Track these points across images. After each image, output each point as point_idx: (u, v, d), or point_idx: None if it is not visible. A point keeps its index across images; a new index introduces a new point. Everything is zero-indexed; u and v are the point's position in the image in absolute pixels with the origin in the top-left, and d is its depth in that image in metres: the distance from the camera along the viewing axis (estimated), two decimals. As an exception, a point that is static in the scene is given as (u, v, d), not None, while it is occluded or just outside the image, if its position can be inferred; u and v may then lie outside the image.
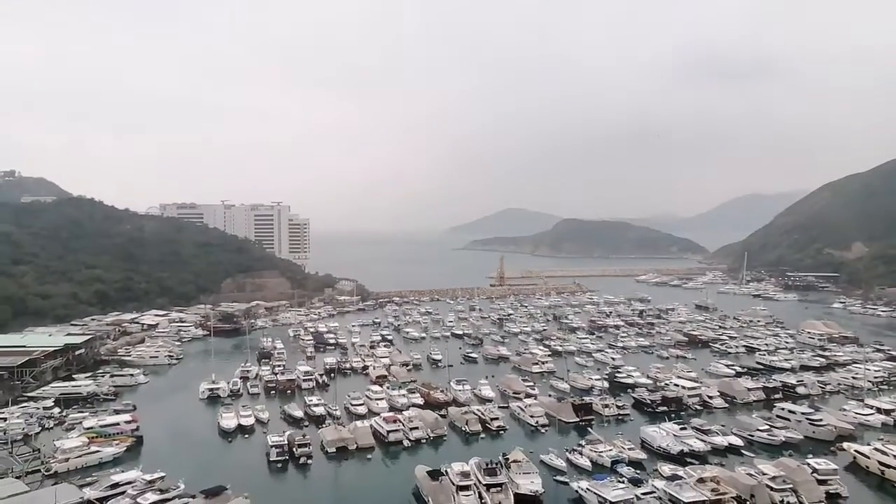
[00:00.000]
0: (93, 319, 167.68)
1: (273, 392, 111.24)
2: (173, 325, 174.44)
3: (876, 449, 73.07)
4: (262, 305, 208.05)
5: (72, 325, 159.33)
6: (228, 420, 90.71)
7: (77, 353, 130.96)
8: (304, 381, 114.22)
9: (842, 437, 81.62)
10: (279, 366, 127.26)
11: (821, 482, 65.21)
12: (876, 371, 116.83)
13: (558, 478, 69.71)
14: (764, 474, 65.70)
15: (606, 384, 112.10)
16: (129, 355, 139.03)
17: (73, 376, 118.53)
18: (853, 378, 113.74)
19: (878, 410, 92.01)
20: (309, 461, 75.80)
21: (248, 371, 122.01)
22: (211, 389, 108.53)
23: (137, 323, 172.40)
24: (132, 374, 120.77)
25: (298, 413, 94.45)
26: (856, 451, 74.94)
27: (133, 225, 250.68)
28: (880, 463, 70.79)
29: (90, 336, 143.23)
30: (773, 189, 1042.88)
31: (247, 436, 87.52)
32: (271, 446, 77.54)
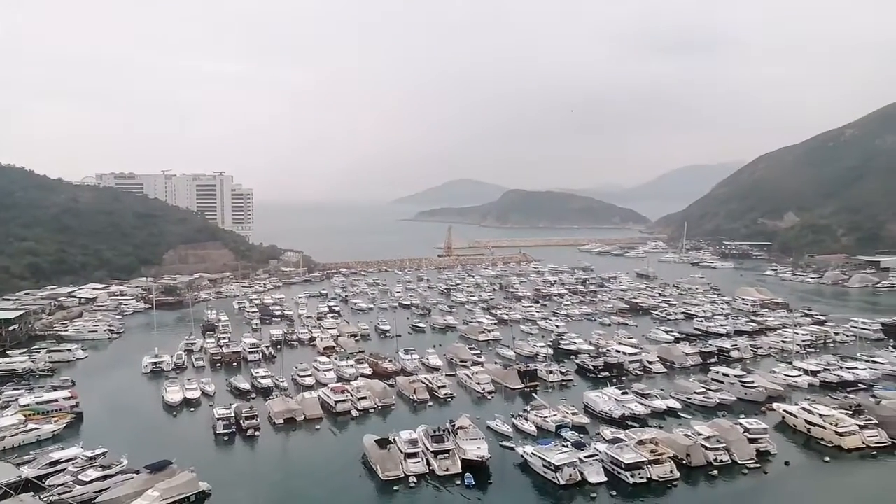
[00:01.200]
0: (26, 294, 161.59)
1: (219, 365, 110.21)
2: (113, 299, 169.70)
3: (803, 408, 77.10)
4: (205, 277, 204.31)
5: (3, 299, 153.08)
6: (173, 394, 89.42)
7: (10, 328, 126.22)
8: (251, 353, 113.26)
9: (772, 398, 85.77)
10: (224, 338, 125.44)
11: (752, 441, 68.60)
12: (804, 335, 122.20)
13: (504, 443, 71.28)
14: (699, 434, 68.74)
15: (551, 351, 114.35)
16: (67, 330, 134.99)
17: (7, 352, 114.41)
18: (783, 342, 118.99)
19: (805, 372, 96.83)
20: (256, 433, 75.54)
21: (192, 344, 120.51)
22: (154, 363, 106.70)
23: (74, 297, 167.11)
24: (70, 350, 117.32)
25: (245, 385, 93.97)
26: (784, 410, 78.90)
27: (68, 195, 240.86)
28: (807, 422, 74.76)
29: (24, 311, 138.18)
30: (713, 160, 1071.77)
31: (192, 409, 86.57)
32: (218, 419, 76.81)
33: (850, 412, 75.28)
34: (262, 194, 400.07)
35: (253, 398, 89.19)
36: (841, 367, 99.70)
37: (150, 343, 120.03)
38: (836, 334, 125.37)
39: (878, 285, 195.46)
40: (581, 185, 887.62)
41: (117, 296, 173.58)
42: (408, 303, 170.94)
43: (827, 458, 67.89)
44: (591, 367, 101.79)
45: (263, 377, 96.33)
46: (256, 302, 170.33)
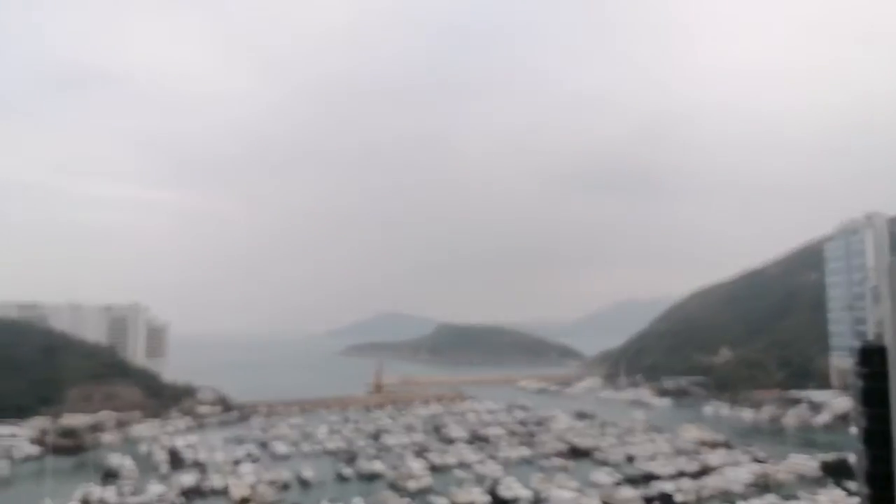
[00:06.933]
0: None
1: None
2: (3, 441, 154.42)
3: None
4: (111, 417, 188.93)
5: None
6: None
7: None
8: (157, 503, 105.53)
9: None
10: (128, 486, 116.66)
11: None
12: (746, 474, 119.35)
13: None
14: None
15: (488, 499, 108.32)
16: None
17: None
18: (726, 482, 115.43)
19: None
20: None
21: (90, 494, 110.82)
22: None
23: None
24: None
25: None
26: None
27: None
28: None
29: None
30: (647, 295, 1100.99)
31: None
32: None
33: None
34: (180, 327, 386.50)
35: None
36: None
37: (40, 493, 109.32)
38: (778, 473, 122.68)
39: (813, 421, 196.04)
40: (515, 320, 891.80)
41: (8, 438, 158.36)
42: (332, 447, 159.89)
43: None
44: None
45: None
46: (167, 445, 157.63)
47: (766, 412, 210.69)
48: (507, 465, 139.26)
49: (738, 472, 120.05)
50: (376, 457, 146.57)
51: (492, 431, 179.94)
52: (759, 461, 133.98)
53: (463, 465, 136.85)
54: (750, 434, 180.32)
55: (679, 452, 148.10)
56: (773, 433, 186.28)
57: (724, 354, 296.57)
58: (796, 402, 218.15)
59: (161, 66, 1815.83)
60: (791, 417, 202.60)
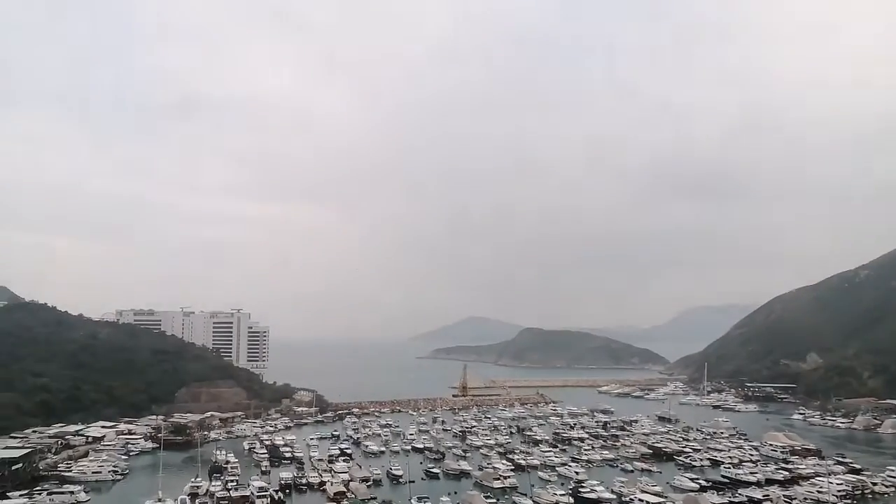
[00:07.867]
0: (34, 431, 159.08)
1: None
2: (121, 438, 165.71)
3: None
4: (216, 416, 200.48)
5: (10, 437, 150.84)
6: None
7: (13, 468, 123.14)
8: (258, 497, 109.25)
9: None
10: (232, 481, 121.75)
11: None
12: (839, 484, 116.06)
13: None
14: None
15: (571, 500, 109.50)
16: (70, 470, 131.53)
17: (8, 494, 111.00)
18: (818, 492, 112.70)
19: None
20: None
21: (198, 487, 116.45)
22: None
23: (82, 435, 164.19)
24: (72, 492, 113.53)
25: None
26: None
27: (86, 331, 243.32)
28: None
29: (29, 450, 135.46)
30: (725, 300, 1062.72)
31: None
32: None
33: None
34: (278, 332, 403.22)
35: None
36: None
37: (154, 486, 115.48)
38: (875, 484, 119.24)
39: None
40: (597, 325, 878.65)
41: (125, 434, 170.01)
42: (421, 446, 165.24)
43: None
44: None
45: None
46: (267, 442, 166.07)
47: (861, 421, 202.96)
48: (590, 467, 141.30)
49: (831, 482, 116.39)
50: (463, 456, 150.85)
51: (574, 434, 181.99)
52: (855, 471, 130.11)
53: (546, 467, 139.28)
54: (843, 443, 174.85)
55: (766, 459, 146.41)
56: (869, 442, 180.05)
57: (814, 360, 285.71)
58: (894, 410, 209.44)
59: (266, 90, 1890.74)
60: (888, 426, 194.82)
